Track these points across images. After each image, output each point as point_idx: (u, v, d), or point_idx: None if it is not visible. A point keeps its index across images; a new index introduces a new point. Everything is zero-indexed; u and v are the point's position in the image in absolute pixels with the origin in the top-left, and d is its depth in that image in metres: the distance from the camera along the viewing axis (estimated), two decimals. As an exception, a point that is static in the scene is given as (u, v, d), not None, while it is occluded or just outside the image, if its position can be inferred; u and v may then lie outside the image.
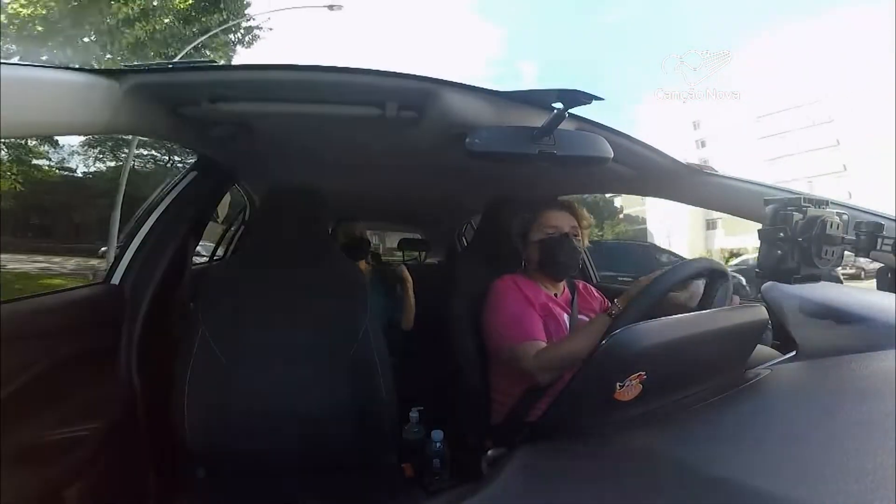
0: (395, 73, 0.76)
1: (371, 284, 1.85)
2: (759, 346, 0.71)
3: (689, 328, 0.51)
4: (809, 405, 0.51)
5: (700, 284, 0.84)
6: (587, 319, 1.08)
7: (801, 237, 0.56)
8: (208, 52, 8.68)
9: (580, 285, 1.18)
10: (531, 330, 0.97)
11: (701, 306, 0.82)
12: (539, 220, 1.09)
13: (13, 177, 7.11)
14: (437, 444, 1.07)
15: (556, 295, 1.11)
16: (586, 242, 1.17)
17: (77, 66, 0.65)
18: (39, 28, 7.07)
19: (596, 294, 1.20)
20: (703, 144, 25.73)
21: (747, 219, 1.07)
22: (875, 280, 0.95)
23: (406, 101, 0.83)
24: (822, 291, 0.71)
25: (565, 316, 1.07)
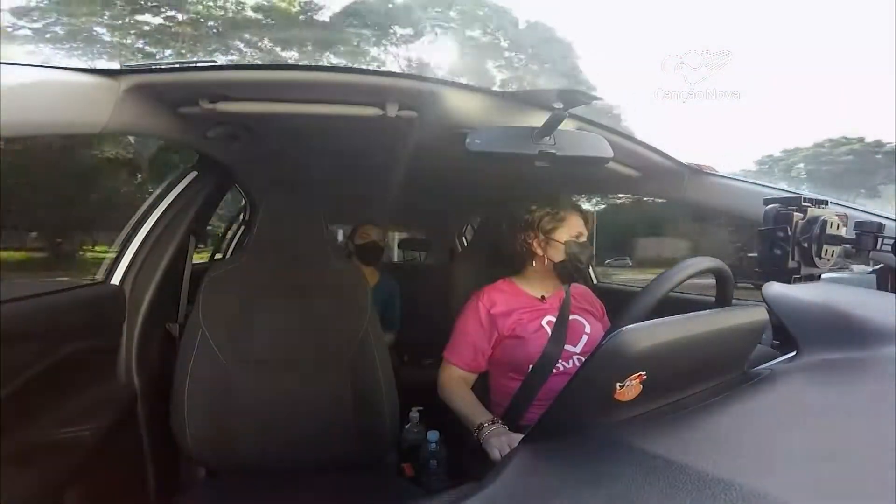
0: (395, 73, 0.77)
1: (375, 289, 1.84)
2: (759, 346, 0.71)
3: (689, 328, 0.51)
4: (809, 405, 0.51)
5: None
6: (580, 321, 1.09)
7: (801, 237, 0.56)
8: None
9: (575, 288, 1.18)
10: (462, 354, 1.08)
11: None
12: (568, 221, 1.09)
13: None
14: (434, 445, 1.06)
15: (543, 297, 1.11)
16: None
17: (77, 66, 0.65)
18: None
19: (597, 302, 1.20)
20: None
21: (747, 219, 1.07)
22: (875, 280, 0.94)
23: (406, 102, 0.83)
24: (823, 291, 0.71)
25: (550, 318, 1.07)
